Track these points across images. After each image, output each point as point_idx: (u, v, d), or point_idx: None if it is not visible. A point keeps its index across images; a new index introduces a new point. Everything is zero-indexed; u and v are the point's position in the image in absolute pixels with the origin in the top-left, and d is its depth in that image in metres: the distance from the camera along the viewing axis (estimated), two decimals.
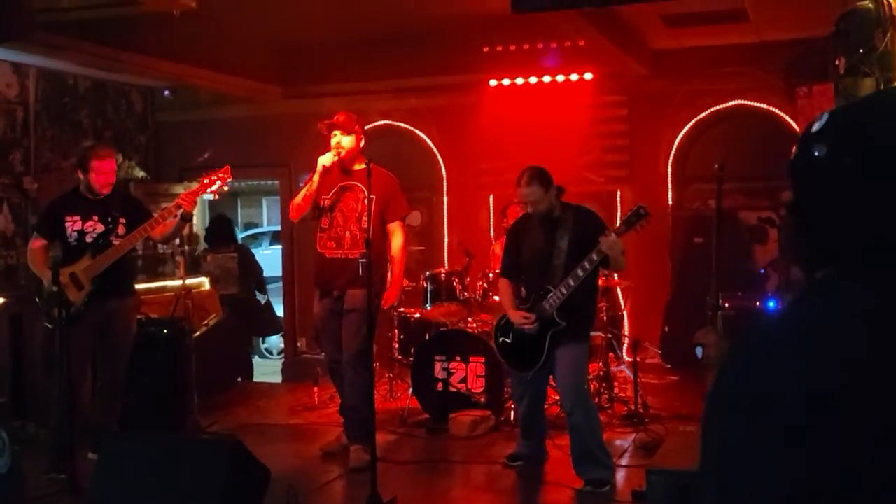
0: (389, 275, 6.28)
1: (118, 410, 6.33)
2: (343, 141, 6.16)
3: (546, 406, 6.36)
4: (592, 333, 6.28)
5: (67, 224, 6.14)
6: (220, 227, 10.29)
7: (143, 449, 5.11)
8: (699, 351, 5.64)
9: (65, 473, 5.66)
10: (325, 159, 6.12)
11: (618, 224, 5.64)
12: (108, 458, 5.11)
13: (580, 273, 5.52)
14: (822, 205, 1.25)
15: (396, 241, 6.23)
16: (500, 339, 5.97)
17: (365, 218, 5.83)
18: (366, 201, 5.85)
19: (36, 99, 8.99)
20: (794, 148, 1.29)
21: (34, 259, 6.19)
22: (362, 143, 6.28)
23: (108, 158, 6.31)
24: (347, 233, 6.11)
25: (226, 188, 6.56)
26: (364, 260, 5.56)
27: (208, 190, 6.42)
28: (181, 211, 6.13)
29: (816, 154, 1.24)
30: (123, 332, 6.33)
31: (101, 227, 6.17)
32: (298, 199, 6.25)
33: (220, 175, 6.41)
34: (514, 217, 8.18)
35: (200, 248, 10.47)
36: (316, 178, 6.14)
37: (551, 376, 5.97)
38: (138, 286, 8.21)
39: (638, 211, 5.50)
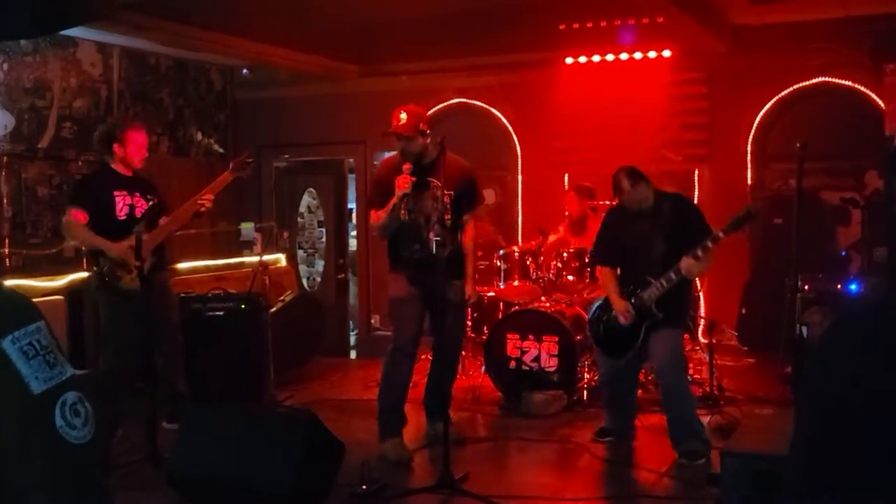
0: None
1: (183, 375, 6.57)
2: (410, 148, 5.75)
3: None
4: None
5: (118, 199, 6.16)
6: None
7: (221, 421, 5.23)
8: (804, 330, 5.56)
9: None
10: (406, 187, 5.63)
11: (726, 224, 5.44)
12: (187, 429, 5.24)
13: (673, 277, 5.52)
14: None
15: (469, 233, 6.02)
16: (603, 320, 5.92)
17: (448, 217, 5.64)
18: (445, 198, 5.69)
19: (119, 77, 9.18)
20: None
21: (84, 232, 6.13)
22: (429, 134, 5.82)
23: (143, 131, 6.42)
24: (431, 234, 5.71)
25: (247, 171, 6.63)
26: (442, 246, 5.48)
27: (232, 178, 6.50)
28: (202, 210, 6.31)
29: None
30: (172, 303, 6.64)
31: (145, 203, 6.26)
32: (384, 223, 5.79)
33: (239, 162, 6.50)
34: (571, 205, 8.10)
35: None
36: (398, 205, 5.68)
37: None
38: (216, 261, 8.37)
39: (749, 212, 5.42)
